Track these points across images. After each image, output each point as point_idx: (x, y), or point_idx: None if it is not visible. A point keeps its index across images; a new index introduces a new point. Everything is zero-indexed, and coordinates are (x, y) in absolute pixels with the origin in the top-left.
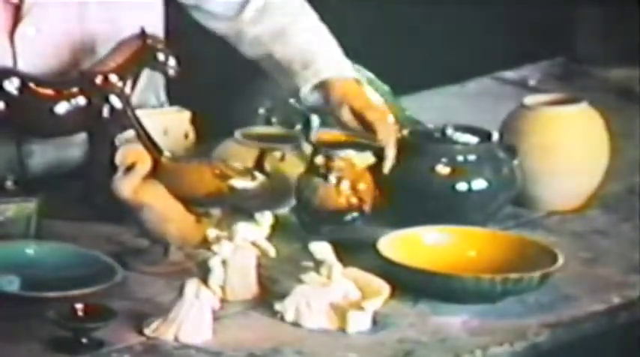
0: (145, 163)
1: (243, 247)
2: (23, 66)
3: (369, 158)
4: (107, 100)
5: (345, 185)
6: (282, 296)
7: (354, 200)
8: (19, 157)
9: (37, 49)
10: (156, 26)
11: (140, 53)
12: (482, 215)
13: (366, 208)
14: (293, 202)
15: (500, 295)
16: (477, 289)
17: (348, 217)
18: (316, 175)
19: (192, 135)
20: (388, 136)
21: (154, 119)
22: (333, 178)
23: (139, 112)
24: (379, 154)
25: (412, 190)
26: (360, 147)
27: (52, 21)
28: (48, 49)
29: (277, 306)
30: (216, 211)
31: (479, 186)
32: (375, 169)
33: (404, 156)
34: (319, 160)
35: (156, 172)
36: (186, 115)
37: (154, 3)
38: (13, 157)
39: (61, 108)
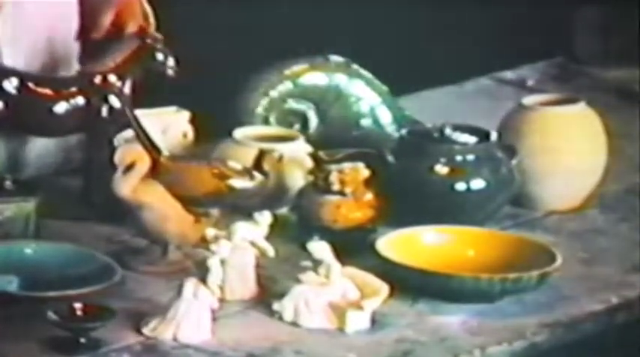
0: (143, 163)
1: (241, 246)
2: (9, 51)
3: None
4: (106, 100)
5: (361, 197)
6: (281, 296)
7: (370, 211)
8: (18, 157)
9: (20, 34)
10: None
11: (139, 53)
12: (481, 215)
13: (379, 215)
14: (291, 202)
15: (498, 294)
16: (476, 289)
17: (371, 230)
18: (329, 193)
19: (190, 135)
20: None
21: (153, 119)
22: (349, 193)
23: (137, 112)
24: (369, 160)
25: (411, 189)
26: (352, 158)
27: (29, 9)
28: (31, 38)
29: (276, 306)
30: (214, 211)
31: (477, 186)
32: (372, 174)
33: (402, 156)
34: (333, 176)
35: (155, 172)
36: (184, 114)
37: None
38: (12, 157)
39: (60, 108)
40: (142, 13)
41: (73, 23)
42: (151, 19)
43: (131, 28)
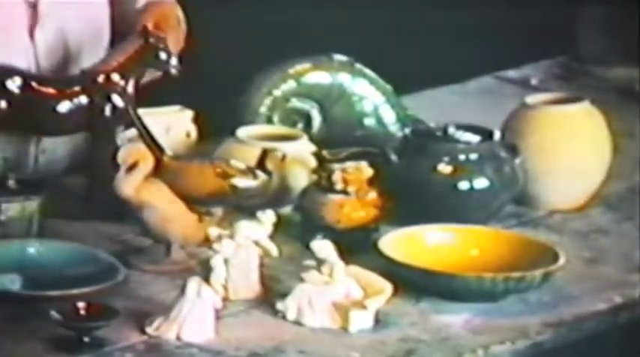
0: (147, 162)
1: (245, 245)
2: (44, 64)
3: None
4: (109, 99)
5: (365, 196)
6: (284, 295)
7: (373, 211)
8: (22, 156)
9: (56, 47)
10: None
11: (142, 52)
12: (484, 214)
13: (382, 214)
14: (294, 201)
15: (502, 293)
16: (479, 288)
17: (374, 229)
18: (332, 192)
19: (194, 134)
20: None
21: (156, 118)
22: (352, 192)
23: (141, 111)
24: (373, 160)
25: (414, 189)
26: (356, 157)
27: (70, 19)
28: (67, 47)
29: (279, 305)
30: (218, 210)
31: (480, 185)
32: (375, 173)
33: (406, 155)
34: (336, 175)
35: (158, 171)
36: (188, 114)
37: None
38: (16, 156)
39: (64, 107)
40: (176, 20)
41: (86, 24)
42: (183, 25)
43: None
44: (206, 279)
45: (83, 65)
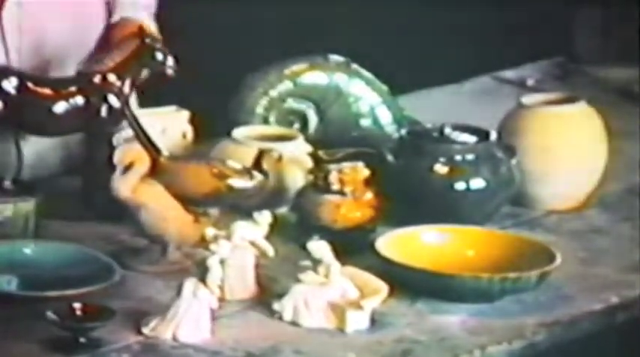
0: (143, 163)
1: (241, 246)
2: (11, 44)
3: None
4: (105, 100)
5: (361, 197)
6: (281, 295)
7: (370, 211)
8: (18, 156)
9: (24, 27)
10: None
11: (139, 52)
12: (481, 214)
13: (379, 215)
14: (290, 202)
15: (498, 294)
16: (476, 288)
17: (371, 230)
18: (328, 192)
19: (190, 134)
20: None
21: (153, 119)
22: (348, 193)
23: (137, 112)
24: (369, 160)
25: (410, 189)
26: (352, 158)
27: (49, 11)
28: (36, 27)
29: (275, 305)
30: (214, 211)
31: (477, 185)
32: (372, 173)
33: (402, 156)
34: (332, 176)
35: (154, 172)
36: (184, 114)
37: None
38: (12, 156)
39: (60, 107)
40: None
41: (66, 23)
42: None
43: None
44: (202, 279)
45: (64, 60)
